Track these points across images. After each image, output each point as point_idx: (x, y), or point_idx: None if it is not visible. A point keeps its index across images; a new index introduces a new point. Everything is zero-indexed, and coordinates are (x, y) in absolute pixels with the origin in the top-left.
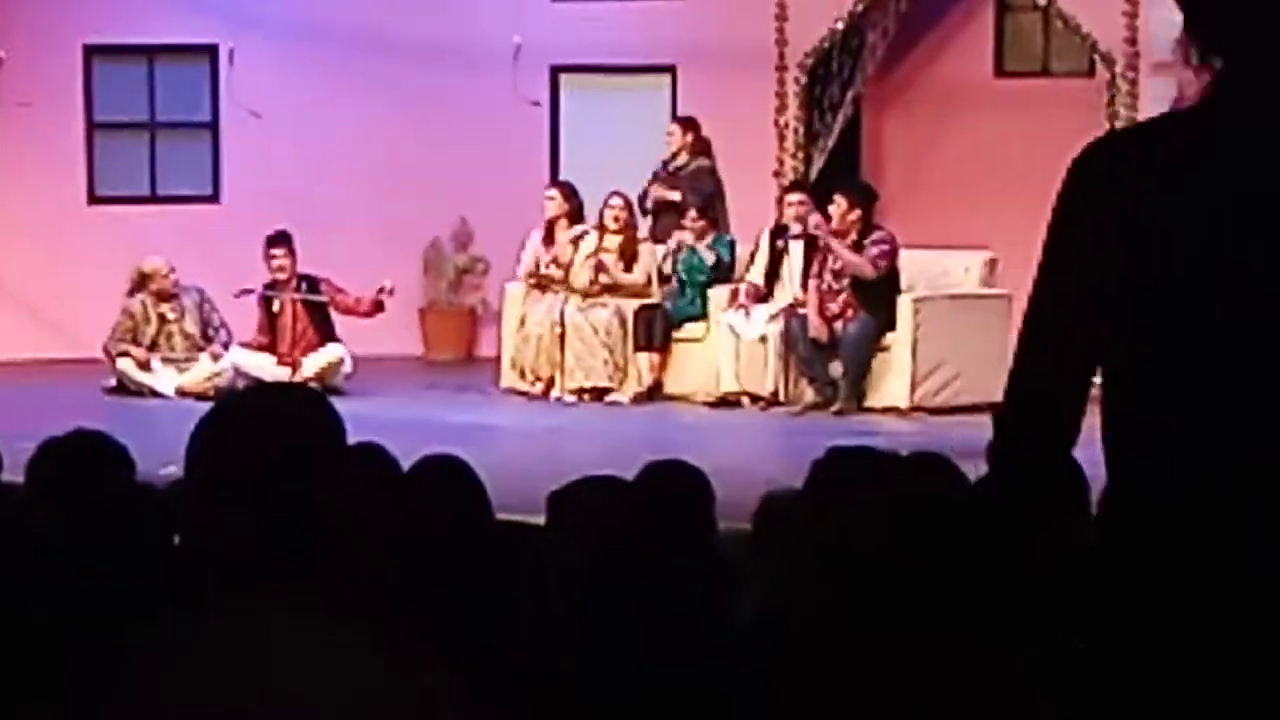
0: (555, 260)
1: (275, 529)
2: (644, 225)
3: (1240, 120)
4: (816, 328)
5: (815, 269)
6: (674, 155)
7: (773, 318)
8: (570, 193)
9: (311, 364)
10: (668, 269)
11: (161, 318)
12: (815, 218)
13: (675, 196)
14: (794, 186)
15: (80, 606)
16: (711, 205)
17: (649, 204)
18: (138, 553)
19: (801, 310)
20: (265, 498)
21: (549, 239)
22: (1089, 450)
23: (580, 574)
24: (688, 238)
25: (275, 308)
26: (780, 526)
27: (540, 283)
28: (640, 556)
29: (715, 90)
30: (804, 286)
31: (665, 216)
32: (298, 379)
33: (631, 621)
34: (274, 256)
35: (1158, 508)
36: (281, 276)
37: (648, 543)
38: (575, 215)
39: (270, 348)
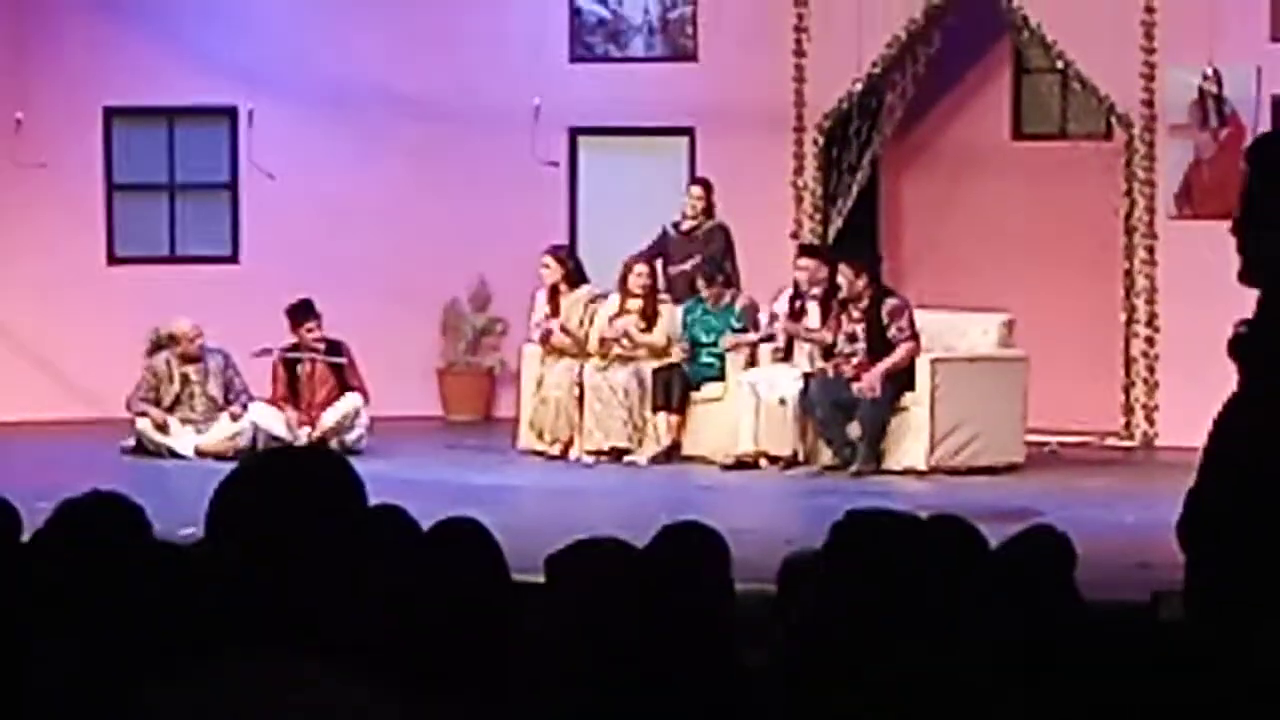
0: (564, 327)
1: (293, 589)
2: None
3: None
4: (868, 381)
5: (830, 334)
6: (689, 216)
7: (806, 376)
8: (565, 257)
9: (329, 417)
10: (688, 335)
11: (185, 378)
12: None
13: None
14: (803, 251)
15: (95, 664)
16: (721, 269)
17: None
18: (153, 611)
19: (822, 369)
20: (285, 559)
21: (553, 304)
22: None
23: (574, 638)
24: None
25: (300, 370)
26: (800, 587)
27: (552, 349)
28: (637, 618)
29: (733, 152)
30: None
31: (679, 282)
32: (316, 434)
33: (630, 683)
34: (310, 330)
35: None
36: (319, 347)
37: (645, 604)
38: (573, 278)
39: (292, 407)
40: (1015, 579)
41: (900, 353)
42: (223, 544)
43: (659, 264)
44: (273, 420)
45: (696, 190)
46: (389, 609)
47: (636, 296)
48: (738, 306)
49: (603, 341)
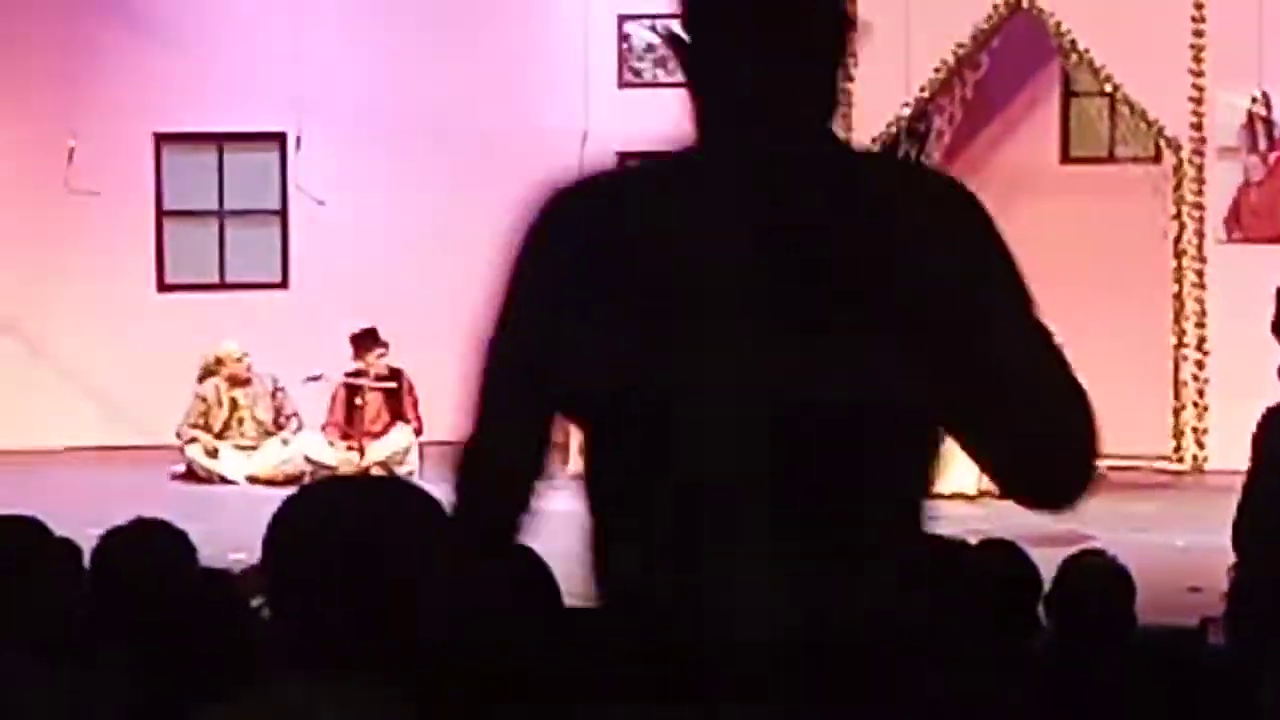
0: None
1: (351, 616)
2: None
3: None
4: None
5: None
6: None
7: None
8: None
9: (378, 450)
10: None
11: (234, 402)
12: None
13: None
14: None
15: (143, 691)
16: None
17: None
18: (201, 636)
19: None
20: (344, 587)
21: None
22: None
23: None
24: None
25: (360, 400)
26: None
27: None
28: None
29: None
30: None
31: None
32: (365, 463)
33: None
34: (382, 355)
35: None
36: (384, 372)
37: None
38: None
39: (347, 435)
40: (1071, 606)
41: None
42: (281, 572)
43: None
44: (321, 450)
45: None
46: (443, 632)
47: None
48: None
49: None
